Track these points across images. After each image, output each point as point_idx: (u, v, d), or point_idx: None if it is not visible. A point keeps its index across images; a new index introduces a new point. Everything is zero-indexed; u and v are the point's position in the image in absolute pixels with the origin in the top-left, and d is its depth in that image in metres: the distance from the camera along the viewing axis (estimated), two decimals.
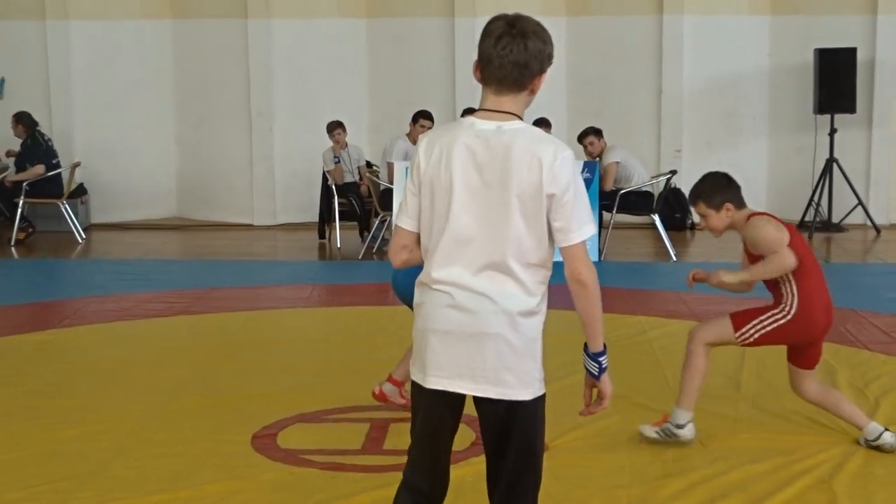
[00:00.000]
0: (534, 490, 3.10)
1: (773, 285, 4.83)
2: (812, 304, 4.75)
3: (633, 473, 4.66)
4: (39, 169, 12.69)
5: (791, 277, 4.72)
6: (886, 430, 4.83)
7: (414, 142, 11.97)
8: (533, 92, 3.04)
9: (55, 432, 5.24)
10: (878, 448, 4.78)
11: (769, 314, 4.78)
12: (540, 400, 3.03)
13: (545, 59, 3.02)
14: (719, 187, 4.87)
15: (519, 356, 2.98)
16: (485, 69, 3.02)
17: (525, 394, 2.99)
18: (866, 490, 4.43)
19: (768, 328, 4.77)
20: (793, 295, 4.74)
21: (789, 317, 4.73)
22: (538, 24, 3.01)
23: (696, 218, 13.42)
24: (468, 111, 12.36)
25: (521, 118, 3.03)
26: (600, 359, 3.06)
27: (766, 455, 4.84)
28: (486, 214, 2.95)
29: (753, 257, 4.81)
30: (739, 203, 4.85)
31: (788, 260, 4.65)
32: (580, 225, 2.98)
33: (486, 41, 2.99)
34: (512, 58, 2.96)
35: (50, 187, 12.75)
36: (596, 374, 3.07)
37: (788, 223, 4.86)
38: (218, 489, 4.45)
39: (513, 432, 3.01)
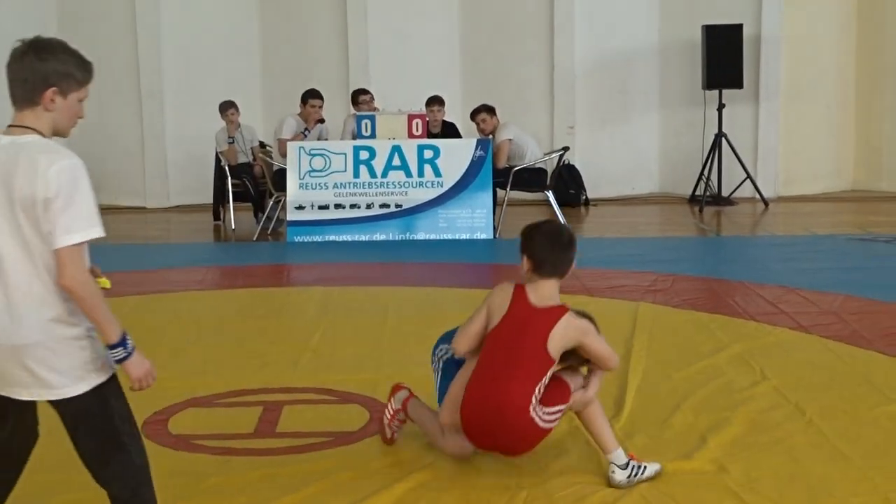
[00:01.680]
0: (130, 468, 3.36)
1: None
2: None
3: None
4: None
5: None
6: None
7: (305, 120, 11.90)
8: (47, 109, 3.19)
9: None
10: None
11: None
12: (103, 387, 3.26)
13: (50, 75, 3.19)
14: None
15: (60, 357, 3.17)
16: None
17: (81, 388, 3.21)
18: (751, 459, 4.52)
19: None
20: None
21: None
22: (48, 44, 3.24)
23: (590, 193, 13.61)
24: (359, 92, 12.26)
25: (41, 133, 3.18)
26: (115, 350, 3.22)
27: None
28: (6, 229, 3.09)
29: None
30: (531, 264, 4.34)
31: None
32: (69, 231, 3.07)
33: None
34: (12, 75, 3.18)
35: None
36: (121, 359, 3.25)
37: (518, 306, 4.28)
38: None
39: (83, 423, 3.27)
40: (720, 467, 4.42)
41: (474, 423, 4.25)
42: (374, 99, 12.31)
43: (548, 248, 4.30)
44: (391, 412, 4.66)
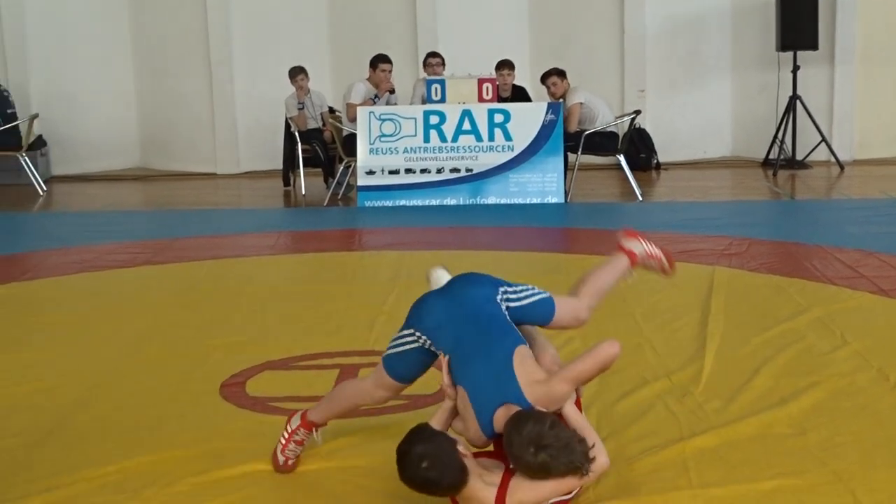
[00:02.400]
0: None
1: None
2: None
3: (600, 412, 4.64)
4: None
5: None
6: None
7: (375, 85, 11.87)
8: None
9: (15, 387, 5.16)
10: None
11: None
12: None
13: None
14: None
15: None
16: None
17: None
18: (835, 424, 4.44)
19: None
20: None
21: None
22: None
23: (661, 157, 13.49)
24: (431, 55, 12.33)
25: None
26: None
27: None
28: None
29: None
30: None
31: None
32: None
33: None
34: None
35: (7, 139, 12.57)
36: None
37: None
38: (186, 438, 4.39)
39: None
40: (802, 432, 4.34)
41: None
42: (443, 63, 12.23)
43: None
44: (286, 437, 4.06)
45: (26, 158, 12.68)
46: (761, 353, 5.40)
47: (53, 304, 7.12)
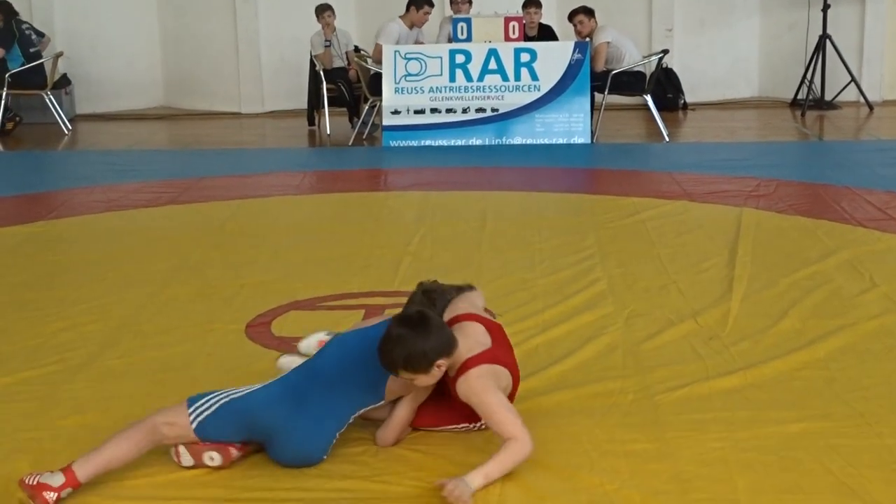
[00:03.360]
0: None
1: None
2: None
3: (626, 353, 4.63)
4: None
5: None
6: None
7: (410, 26, 11.77)
8: None
9: (43, 325, 5.19)
10: None
11: None
12: None
13: None
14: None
15: None
16: None
17: None
18: (862, 367, 4.42)
19: None
20: None
21: None
22: None
23: (688, 97, 13.36)
24: None
25: None
26: None
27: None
28: None
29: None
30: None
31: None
32: None
33: None
34: None
35: (33, 78, 12.55)
36: None
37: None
38: (211, 377, 4.40)
39: None
40: (829, 374, 4.32)
41: None
42: (469, 2, 12.07)
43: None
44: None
45: (51, 97, 12.66)
46: (789, 296, 5.37)
47: (79, 243, 7.14)
